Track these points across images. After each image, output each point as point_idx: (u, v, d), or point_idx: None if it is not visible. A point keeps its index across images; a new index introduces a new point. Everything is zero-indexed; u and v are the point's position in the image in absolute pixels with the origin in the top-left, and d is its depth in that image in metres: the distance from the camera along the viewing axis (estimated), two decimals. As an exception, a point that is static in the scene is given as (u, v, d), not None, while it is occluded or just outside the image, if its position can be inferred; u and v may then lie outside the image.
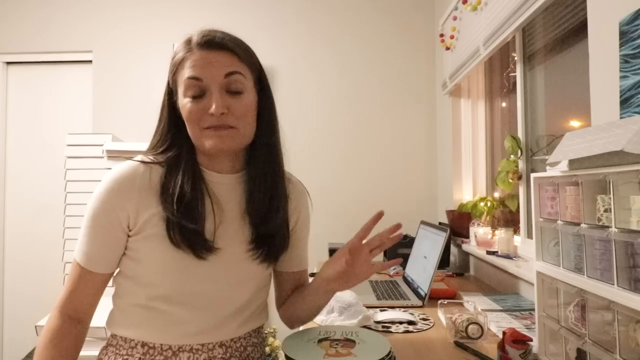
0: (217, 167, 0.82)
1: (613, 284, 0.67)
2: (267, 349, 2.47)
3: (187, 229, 0.73)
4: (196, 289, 0.77)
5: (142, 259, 0.76)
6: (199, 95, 0.75)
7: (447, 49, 2.38)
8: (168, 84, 0.81)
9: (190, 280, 0.76)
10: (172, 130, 0.80)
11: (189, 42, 0.78)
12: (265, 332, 2.58)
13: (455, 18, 2.23)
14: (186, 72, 0.75)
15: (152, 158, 0.79)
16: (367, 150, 2.78)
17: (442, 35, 2.50)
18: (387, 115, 2.79)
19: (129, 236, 0.77)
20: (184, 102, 0.76)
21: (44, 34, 2.86)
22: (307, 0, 2.82)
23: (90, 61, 2.85)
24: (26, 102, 2.92)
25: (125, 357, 0.77)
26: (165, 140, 0.80)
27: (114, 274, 0.83)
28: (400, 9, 2.81)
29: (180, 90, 0.77)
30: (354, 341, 0.90)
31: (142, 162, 0.77)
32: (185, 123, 0.77)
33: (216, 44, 0.75)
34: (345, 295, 1.20)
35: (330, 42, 2.81)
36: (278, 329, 2.62)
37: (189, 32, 0.81)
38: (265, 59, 3.16)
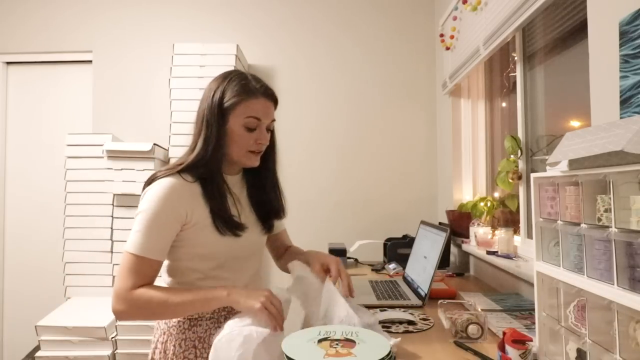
0: (231, 171, 1.12)
1: (613, 284, 0.67)
2: (267, 349, 2.47)
3: (227, 219, 1.03)
4: (237, 257, 1.07)
5: (199, 244, 1.02)
6: (253, 129, 1.04)
7: (447, 49, 2.38)
8: (219, 106, 1.02)
9: (232, 252, 1.06)
10: (221, 147, 1.03)
11: (248, 85, 1.04)
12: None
13: (455, 18, 2.23)
14: (250, 111, 1.03)
15: (188, 176, 1.02)
16: (366, 150, 2.78)
17: (442, 35, 2.50)
18: (387, 115, 2.79)
19: (181, 230, 1.00)
20: (239, 130, 1.03)
21: (44, 34, 2.86)
22: (306, 0, 2.82)
23: (90, 61, 2.85)
24: (26, 102, 2.92)
25: (197, 318, 1.04)
26: (212, 155, 1.02)
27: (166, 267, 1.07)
28: (400, 9, 2.81)
29: (238, 120, 1.02)
30: (354, 341, 0.90)
31: (184, 179, 1.02)
32: (232, 143, 1.04)
33: (273, 97, 1.08)
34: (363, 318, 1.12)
35: (330, 42, 2.81)
36: (278, 329, 2.62)
37: (237, 69, 1.06)
38: (265, 59, 3.16)
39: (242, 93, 1.02)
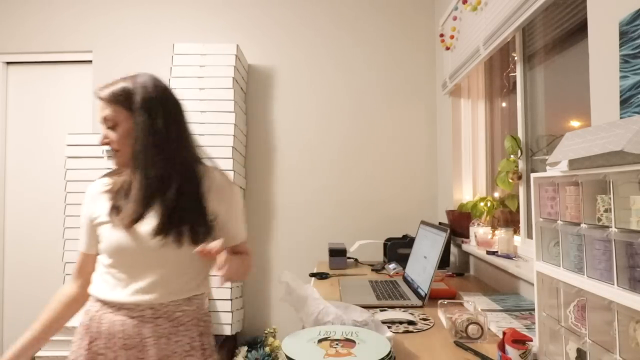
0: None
1: (613, 284, 0.67)
2: (267, 349, 2.47)
3: (115, 208, 1.07)
4: (128, 256, 1.05)
5: (101, 239, 1.08)
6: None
7: (447, 49, 2.38)
8: None
9: (124, 249, 1.05)
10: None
11: None
12: (265, 332, 2.58)
13: (455, 18, 2.23)
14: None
15: (106, 178, 1.15)
16: (367, 150, 2.78)
17: (442, 35, 2.50)
18: (387, 115, 2.79)
19: (93, 226, 1.12)
20: None
21: (44, 34, 2.87)
22: (306, 0, 2.82)
23: (90, 61, 2.86)
24: (26, 102, 2.92)
25: (89, 307, 1.10)
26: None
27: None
28: (400, 9, 2.81)
29: None
30: (354, 341, 0.90)
31: (99, 180, 1.16)
32: None
33: (100, 95, 1.07)
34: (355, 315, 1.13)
35: (330, 42, 2.81)
36: (278, 329, 2.62)
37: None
38: (265, 59, 3.17)
39: None
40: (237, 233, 1.17)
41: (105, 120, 1.07)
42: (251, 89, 2.82)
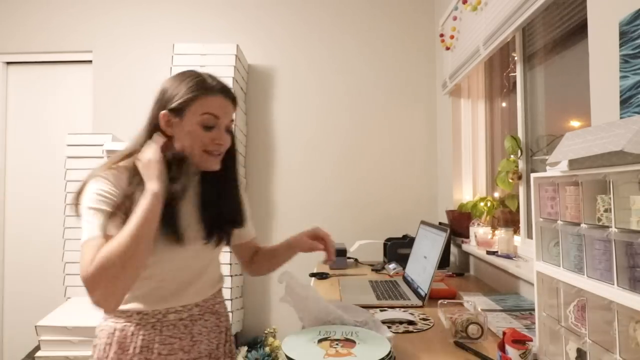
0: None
1: (613, 284, 0.67)
2: (267, 349, 2.47)
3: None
4: (173, 267, 1.00)
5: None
6: (210, 127, 0.97)
7: (447, 49, 2.38)
8: (167, 102, 0.99)
9: (168, 261, 0.98)
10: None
11: (204, 82, 0.98)
12: (265, 332, 2.58)
13: (455, 18, 2.23)
14: (207, 108, 0.96)
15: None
16: (367, 150, 2.78)
17: (442, 35, 2.50)
18: (387, 115, 2.79)
19: None
20: (194, 128, 0.96)
21: (44, 34, 2.86)
22: (307, 0, 2.82)
23: (90, 61, 2.85)
24: (26, 102, 2.92)
25: (124, 323, 0.97)
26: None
27: None
28: (400, 9, 2.81)
29: (194, 118, 0.96)
30: (354, 341, 0.90)
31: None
32: (188, 142, 0.97)
33: (231, 95, 1.01)
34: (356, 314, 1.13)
35: (331, 42, 2.81)
36: (278, 329, 2.62)
37: (199, 69, 1.02)
38: (265, 59, 3.16)
39: (198, 89, 0.97)
40: (253, 227, 1.25)
41: (231, 123, 1.02)
42: (251, 89, 2.82)
